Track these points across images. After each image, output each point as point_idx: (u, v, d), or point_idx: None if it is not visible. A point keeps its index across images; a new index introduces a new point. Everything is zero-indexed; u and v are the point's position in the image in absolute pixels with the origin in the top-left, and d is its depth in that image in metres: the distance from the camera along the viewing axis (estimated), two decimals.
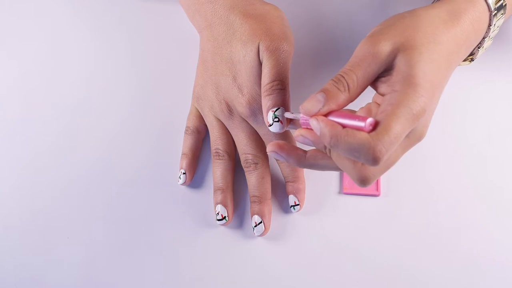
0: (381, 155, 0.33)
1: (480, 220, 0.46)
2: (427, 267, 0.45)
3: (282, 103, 0.42)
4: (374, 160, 0.33)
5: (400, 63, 0.36)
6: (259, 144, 0.48)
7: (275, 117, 0.42)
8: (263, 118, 0.45)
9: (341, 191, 0.48)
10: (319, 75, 0.52)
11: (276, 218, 0.48)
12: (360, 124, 0.34)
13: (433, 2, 0.44)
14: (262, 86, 0.43)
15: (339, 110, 0.36)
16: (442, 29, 0.38)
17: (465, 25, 0.39)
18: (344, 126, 0.35)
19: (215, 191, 0.48)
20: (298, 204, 0.47)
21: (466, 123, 0.50)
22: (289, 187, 0.48)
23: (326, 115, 0.36)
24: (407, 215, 0.47)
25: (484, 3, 0.41)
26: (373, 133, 0.33)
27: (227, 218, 0.47)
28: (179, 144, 0.51)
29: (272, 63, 0.43)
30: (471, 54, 0.45)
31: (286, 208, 0.49)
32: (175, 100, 0.52)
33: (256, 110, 0.45)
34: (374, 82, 0.38)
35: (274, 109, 0.42)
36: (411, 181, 0.48)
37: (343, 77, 0.36)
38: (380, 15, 0.54)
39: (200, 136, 0.50)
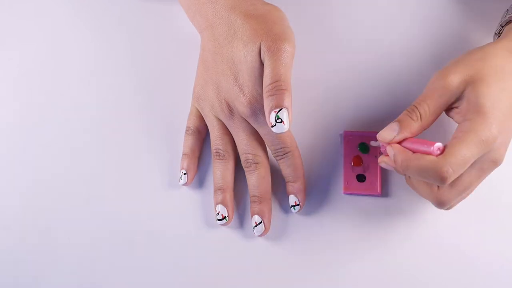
0: (447, 174, 0.37)
1: (480, 220, 0.46)
2: (427, 267, 0.45)
3: (284, 104, 0.42)
4: (442, 179, 0.37)
5: (469, 94, 0.39)
6: (260, 144, 0.48)
7: (278, 118, 0.42)
8: (264, 118, 0.45)
9: (341, 191, 0.48)
10: (319, 75, 0.52)
11: (276, 218, 0.48)
12: (429, 148, 0.38)
13: (495, 34, 0.48)
14: (264, 86, 0.43)
15: (412, 138, 0.41)
16: (510, 60, 0.41)
17: None
18: (414, 152, 0.40)
19: (215, 191, 0.48)
20: (298, 205, 0.47)
21: None
22: (290, 187, 0.48)
23: (401, 142, 0.41)
24: (407, 215, 0.47)
25: None
26: (440, 155, 0.38)
27: (227, 218, 0.47)
28: (180, 144, 0.51)
29: (274, 64, 0.43)
30: None
31: (286, 208, 0.49)
32: (175, 100, 0.52)
33: (257, 110, 0.45)
34: (449, 112, 0.42)
35: (277, 110, 0.42)
36: None
37: (416, 107, 0.41)
38: (381, 15, 0.54)
39: (201, 136, 0.50)
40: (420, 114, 0.41)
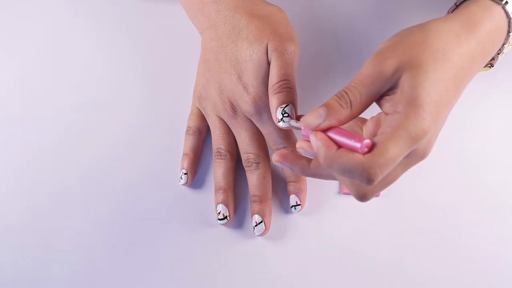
0: (375, 177, 0.33)
1: (480, 220, 0.46)
2: (426, 267, 0.46)
3: (291, 101, 0.42)
4: (368, 181, 0.33)
5: (404, 83, 0.35)
6: (261, 143, 0.48)
7: (285, 113, 0.42)
8: (267, 116, 0.46)
9: (341, 191, 0.48)
10: (319, 75, 0.52)
11: (276, 218, 0.48)
12: (356, 145, 0.34)
13: (448, 13, 0.43)
14: (270, 85, 0.44)
15: (339, 127, 0.36)
16: (453, 44, 0.36)
17: (481, 36, 0.38)
18: (340, 145, 0.35)
19: (216, 190, 0.48)
20: (299, 204, 0.47)
21: (466, 124, 0.50)
22: (291, 187, 0.48)
23: (326, 130, 0.36)
24: (406, 215, 0.47)
25: (502, 10, 0.39)
26: (368, 155, 0.33)
27: (228, 217, 0.47)
28: (180, 144, 0.50)
29: (281, 64, 0.43)
30: (491, 59, 0.43)
31: (286, 208, 0.49)
32: (176, 100, 0.52)
33: (261, 108, 0.45)
34: (379, 100, 0.37)
35: (283, 106, 0.42)
36: (410, 182, 0.48)
37: (346, 93, 0.36)
38: (381, 15, 0.54)
39: (202, 136, 0.51)
40: (350, 101, 0.36)
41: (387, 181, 0.37)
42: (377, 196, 0.48)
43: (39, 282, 0.48)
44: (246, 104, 0.46)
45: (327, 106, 0.36)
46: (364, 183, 0.34)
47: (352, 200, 0.48)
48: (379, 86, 0.36)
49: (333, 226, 0.47)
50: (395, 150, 0.33)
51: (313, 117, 0.36)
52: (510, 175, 0.48)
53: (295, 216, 0.48)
